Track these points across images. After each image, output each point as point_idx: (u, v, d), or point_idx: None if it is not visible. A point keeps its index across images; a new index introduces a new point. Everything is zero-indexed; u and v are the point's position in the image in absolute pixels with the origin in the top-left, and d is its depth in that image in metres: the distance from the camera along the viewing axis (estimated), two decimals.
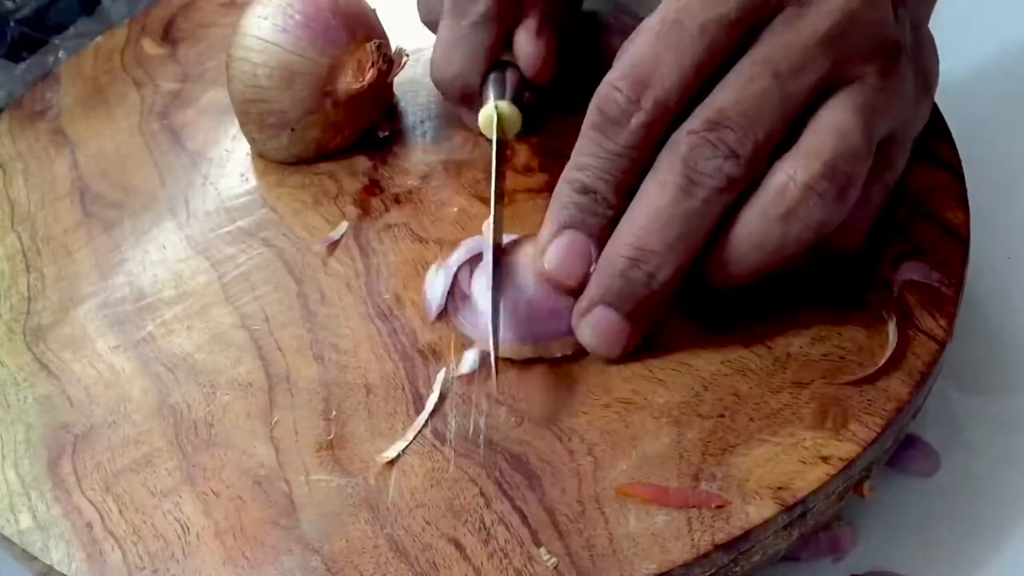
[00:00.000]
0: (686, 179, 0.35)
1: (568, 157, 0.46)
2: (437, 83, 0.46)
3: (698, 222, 0.36)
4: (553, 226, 0.38)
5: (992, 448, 0.43)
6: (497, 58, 0.45)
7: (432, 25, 0.48)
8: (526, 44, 0.45)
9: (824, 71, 0.36)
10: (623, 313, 0.37)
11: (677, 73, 0.36)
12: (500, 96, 0.44)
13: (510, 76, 0.45)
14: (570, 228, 0.38)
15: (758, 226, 0.36)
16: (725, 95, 0.36)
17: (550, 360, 0.39)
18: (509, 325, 0.39)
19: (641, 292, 0.37)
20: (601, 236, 0.37)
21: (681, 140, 0.36)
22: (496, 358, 0.38)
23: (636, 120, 0.36)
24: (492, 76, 0.45)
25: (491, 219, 0.41)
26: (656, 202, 0.36)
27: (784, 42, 0.36)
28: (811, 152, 0.35)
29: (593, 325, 0.38)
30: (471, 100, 0.46)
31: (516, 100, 0.44)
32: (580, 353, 0.39)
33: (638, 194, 0.37)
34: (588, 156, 0.37)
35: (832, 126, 0.36)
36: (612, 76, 0.36)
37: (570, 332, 0.39)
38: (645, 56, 0.36)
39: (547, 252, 0.38)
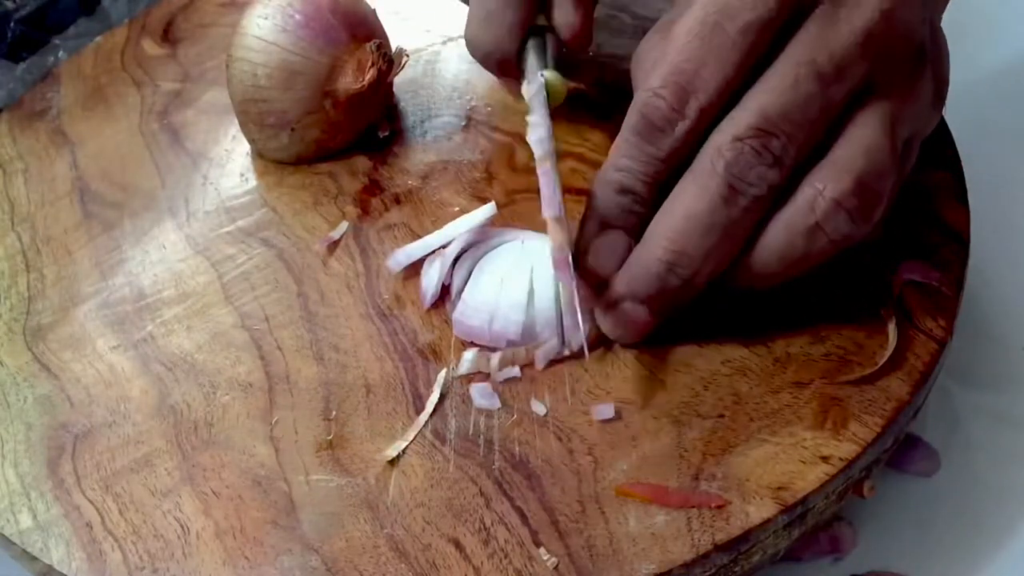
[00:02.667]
0: (728, 187, 0.35)
1: (568, 156, 0.47)
2: (474, 53, 0.45)
3: (737, 229, 0.36)
4: (595, 225, 0.38)
5: (992, 448, 0.43)
6: (532, 24, 0.44)
7: None
8: (565, 15, 0.44)
9: (863, 74, 0.36)
10: (652, 309, 0.38)
11: (720, 78, 0.36)
12: (543, 65, 0.43)
13: (550, 44, 0.44)
14: (612, 227, 0.38)
15: (784, 237, 0.36)
16: (769, 98, 0.35)
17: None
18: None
19: (673, 293, 0.37)
20: (638, 231, 0.38)
21: (725, 146, 0.35)
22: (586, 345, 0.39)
23: (680, 128, 0.36)
24: (531, 44, 0.44)
25: (554, 202, 0.39)
26: (695, 208, 0.36)
27: (824, 42, 0.35)
28: (842, 167, 0.35)
29: (621, 318, 0.38)
30: (510, 68, 0.45)
31: (559, 67, 0.43)
32: (580, 353, 0.39)
33: (675, 194, 0.37)
34: (629, 159, 0.37)
35: (864, 141, 0.35)
36: (654, 82, 0.36)
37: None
38: (686, 62, 0.36)
39: (591, 250, 0.38)
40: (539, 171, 0.39)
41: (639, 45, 0.39)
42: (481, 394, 0.39)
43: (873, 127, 0.36)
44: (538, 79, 0.42)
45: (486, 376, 0.39)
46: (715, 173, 0.35)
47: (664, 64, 0.36)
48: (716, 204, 0.36)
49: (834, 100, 0.35)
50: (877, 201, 0.36)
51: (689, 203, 0.36)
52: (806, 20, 0.36)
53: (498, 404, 0.38)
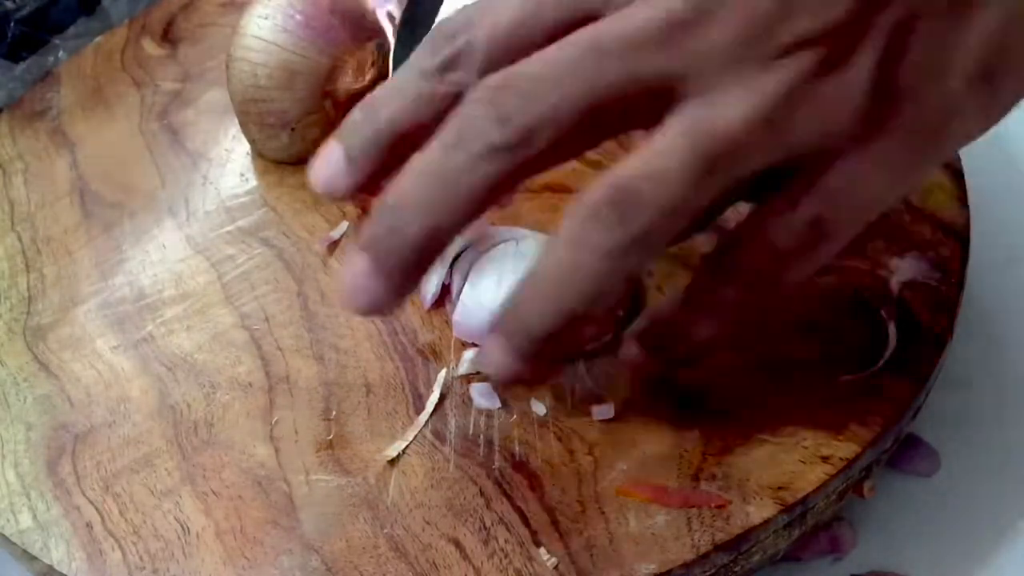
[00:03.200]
0: (453, 136, 0.32)
1: None
2: None
3: (455, 183, 0.31)
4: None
5: (992, 448, 0.43)
6: None
7: None
8: None
9: (662, 68, 0.30)
10: (375, 264, 0.33)
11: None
12: None
13: None
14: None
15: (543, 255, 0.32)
16: (526, 60, 0.31)
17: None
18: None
19: (389, 242, 0.33)
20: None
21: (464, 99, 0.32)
22: None
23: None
24: None
25: None
26: (419, 158, 0.32)
27: (620, 28, 0.30)
28: (611, 173, 0.31)
29: (348, 271, 0.34)
30: None
31: None
32: (579, 353, 0.39)
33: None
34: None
35: (652, 147, 0.30)
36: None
37: None
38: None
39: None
40: None
41: None
42: (481, 394, 0.39)
43: (670, 132, 0.30)
44: None
45: (487, 376, 0.39)
46: (445, 124, 0.32)
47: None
48: (437, 153, 0.32)
49: (612, 82, 0.30)
50: (637, 209, 0.30)
51: (416, 155, 0.32)
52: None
53: (498, 404, 0.38)
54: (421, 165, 0.32)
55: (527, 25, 0.32)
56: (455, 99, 0.32)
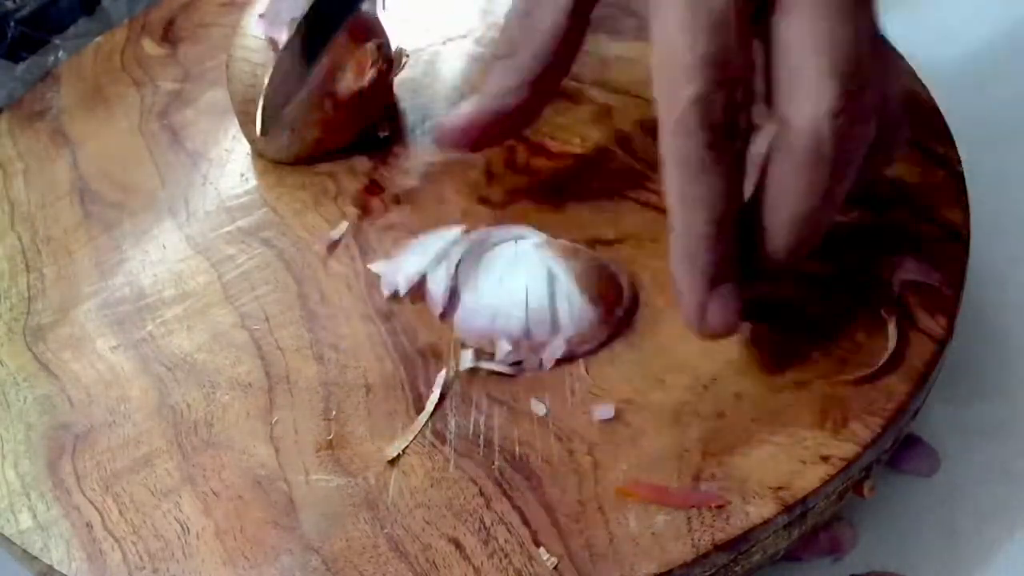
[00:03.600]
0: (684, 122, 0.33)
1: (567, 156, 0.47)
2: None
3: (702, 160, 0.33)
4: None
5: (992, 448, 0.43)
6: None
7: None
8: None
9: None
10: (704, 278, 0.35)
11: None
12: None
13: None
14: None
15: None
16: None
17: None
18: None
19: (699, 247, 0.35)
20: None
21: None
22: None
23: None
24: None
25: None
26: (665, 155, 0.34)
27: None
28: None
29: (687, 302, 0.36)
30: None
31: None
32: (577, 354, 0.39)
33: None
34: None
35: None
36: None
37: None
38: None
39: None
40: None
41: None
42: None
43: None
44: None
45: (488, 374, 0.39)
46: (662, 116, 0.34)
47: None
48: (674, 144, 0.34)
49: None
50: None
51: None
52: None
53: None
54: (669, 158, 0.34)
55: None
56: None
